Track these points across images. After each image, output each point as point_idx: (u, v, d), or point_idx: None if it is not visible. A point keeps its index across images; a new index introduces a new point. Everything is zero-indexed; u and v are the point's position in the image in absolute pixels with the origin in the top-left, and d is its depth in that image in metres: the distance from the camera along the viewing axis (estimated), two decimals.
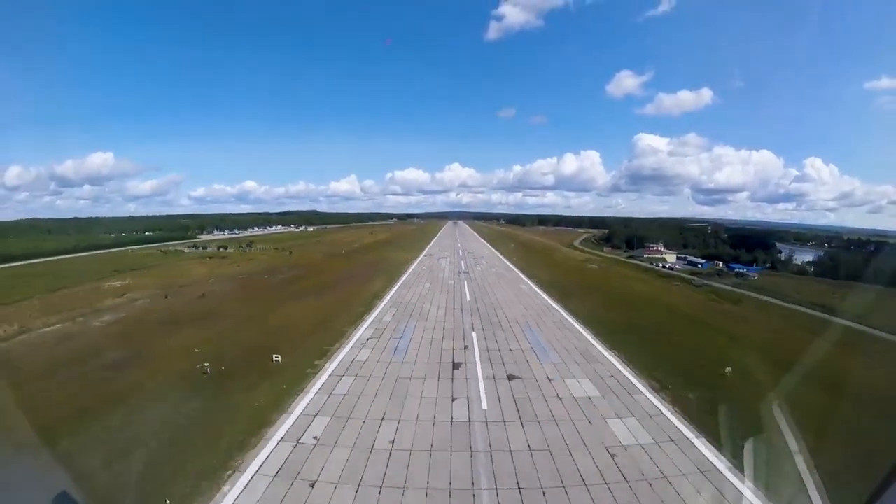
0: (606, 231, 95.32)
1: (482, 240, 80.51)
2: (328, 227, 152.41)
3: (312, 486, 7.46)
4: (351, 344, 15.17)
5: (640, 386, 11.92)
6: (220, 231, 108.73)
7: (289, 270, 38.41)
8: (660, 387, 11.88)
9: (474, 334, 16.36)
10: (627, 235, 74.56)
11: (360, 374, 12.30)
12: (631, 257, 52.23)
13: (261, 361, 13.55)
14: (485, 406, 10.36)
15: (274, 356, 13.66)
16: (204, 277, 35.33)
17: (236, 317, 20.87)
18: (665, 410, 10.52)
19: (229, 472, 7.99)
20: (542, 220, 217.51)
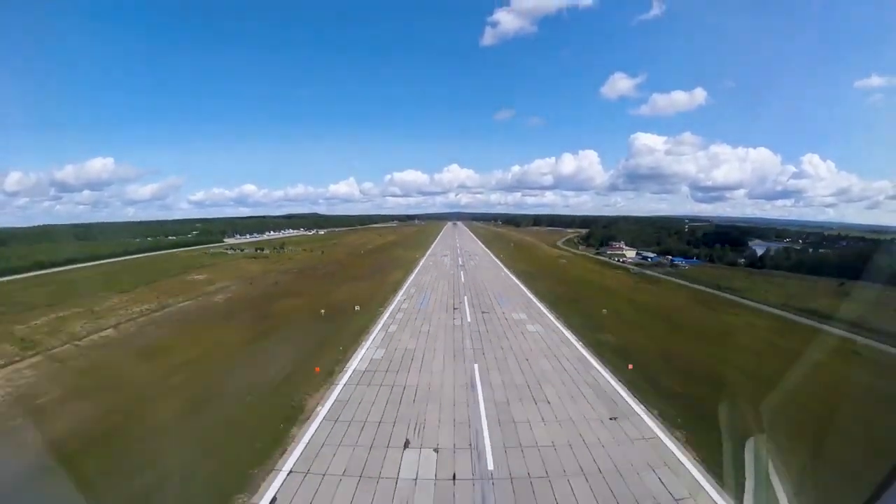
0: (587, 230, 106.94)
1: (477, 240, 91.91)
2: (336, 230, 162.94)
3: (399, 341, 18.63)
4: (396, 301, 26.44)
5: (550, 316, 23.13)
6: (241, 235, 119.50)
7: (326, 267, 49.64)
8: (559, 316, 23.09)
9: (465, 297, 27.58)
10: (603, 235, 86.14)
11: (406, 311, 23.64)
12: (598, 253, 63.64)
13: (348, 309, 24.65)
14: (469, 321, 21.67)
15: (355, 306, 24.80)
16: (263, 272, 46.43)
17: (311, 293, 32.01)
18: (558, 324, 21.71)
19: (362, 341, 19.08)
20: (537, 221, 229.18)
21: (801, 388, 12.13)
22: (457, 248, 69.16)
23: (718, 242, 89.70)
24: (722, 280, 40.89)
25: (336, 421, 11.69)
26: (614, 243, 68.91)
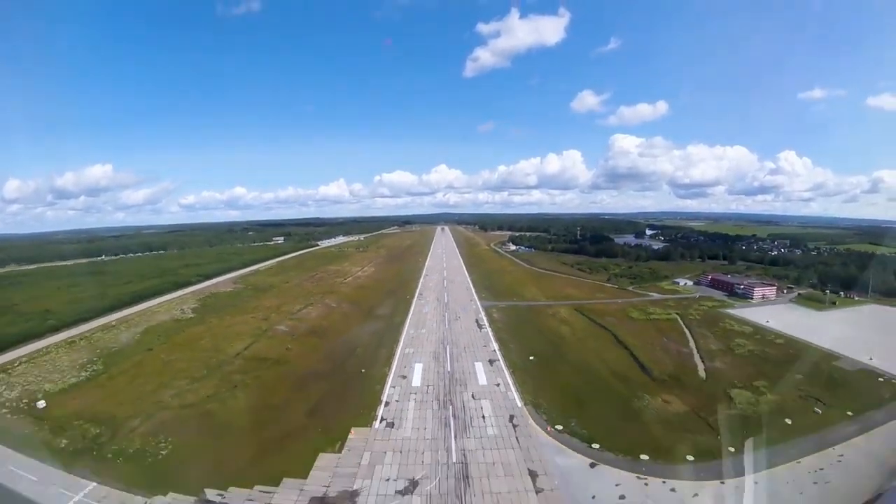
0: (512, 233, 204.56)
1: (452, 241, 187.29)
2: (367, 235, 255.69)
3: (434, 259, 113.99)
4: (430, 255, 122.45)
5: (460, 258, 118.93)
6: (320, 241, 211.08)
7: (397, 251, 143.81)
8: (462, 256, 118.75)
9: (444, 255, 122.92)
10: (511, 237, 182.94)
11: (435, 256, 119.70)
12: (500, 246, 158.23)
13: (419, 257, 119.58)
14: (445, 256, 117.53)
15: (419, 257, 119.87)
16: (376, 255, 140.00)
17: (406, 256, 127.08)
18: (460, 256, 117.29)
19: (427, 258, 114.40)
20: (500, 226, 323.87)
21: (480, 255, 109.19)
22: (443, 246, 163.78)
23: (590, 238, 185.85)
24: (525, 255, 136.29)
25: (431, 258, 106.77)
26: (508, 243, 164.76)
